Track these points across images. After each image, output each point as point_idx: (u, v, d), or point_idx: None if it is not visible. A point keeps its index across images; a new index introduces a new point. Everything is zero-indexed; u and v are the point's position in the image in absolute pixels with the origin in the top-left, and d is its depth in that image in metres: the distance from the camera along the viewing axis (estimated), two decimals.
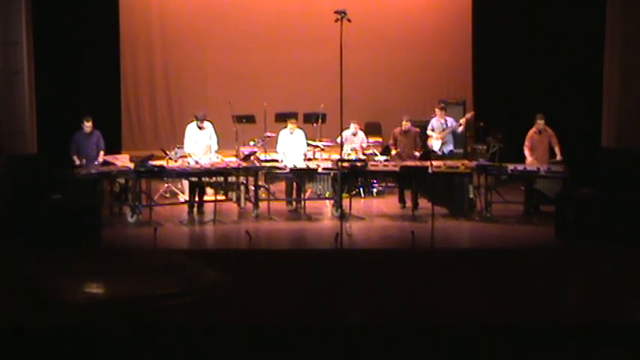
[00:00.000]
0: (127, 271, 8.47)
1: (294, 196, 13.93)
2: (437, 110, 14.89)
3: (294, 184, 13.83)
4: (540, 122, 13.47)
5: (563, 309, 8.06)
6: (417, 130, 14.56)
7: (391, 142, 14.57)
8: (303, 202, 13.79)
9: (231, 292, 8.02)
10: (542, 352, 6.93)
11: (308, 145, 14.71)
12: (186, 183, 13.84)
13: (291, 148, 14.20)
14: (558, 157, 13.31)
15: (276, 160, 14.04)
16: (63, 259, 9.47)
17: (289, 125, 14.34)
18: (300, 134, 14.39)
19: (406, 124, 14.31)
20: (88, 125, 13.64)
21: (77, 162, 13.48)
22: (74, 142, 13.66)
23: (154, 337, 7.04)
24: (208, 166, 13.23)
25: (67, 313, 7.31)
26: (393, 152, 14.41)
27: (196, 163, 13.45)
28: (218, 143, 14.06)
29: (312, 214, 13.51)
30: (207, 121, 13.91)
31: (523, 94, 17.10)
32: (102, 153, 13.86)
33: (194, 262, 8.98)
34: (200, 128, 13.79)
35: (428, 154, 14.17)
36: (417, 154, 14.20)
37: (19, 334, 6.99)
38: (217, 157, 13.80)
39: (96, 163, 13.55)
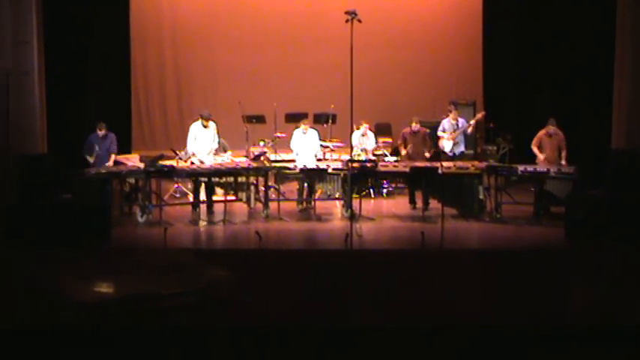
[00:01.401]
0: (132, 271, 8.48)
1: (305, 196, 13.94)
2: (453, 112, 14.83)
3: (306, 185, 13.84)
4: (552, 126, 13.45)
5: (573, 310, 8.05)
6: (426, 130, 14.54)
7: (400, 142, 14.55)
8: (313, 203, 13.80)
9: (239, 292, 8.02)
10: (551, 353, 6.92)
11: (320, 145, 14.75)
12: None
13: (305, 147, 14.21)
14: (563, 162, 13.29)
15: (286, 160, 14.06)
16: (71, 259, 9.49)
17: (302, 125, 14.35)
18: (313, 134, 14.41)
19: (415, 125, 14.29)
20: (101, 132, 13.74)
21: (91, 161, 13.56)
22: (88, 142, 13.73)
23: (158, 336, 7.05)
24: (218, 166, 13.25)
25: (73, 313, 7.32)
26: (403, 152, 14.38)
27: (201, 162, 13.49)
28: (219, 143, 14.08)
29: (322, 214, 13.51)
30: (212, 120, 13.91)
31: (533, 95, 17.07)
32: (113, 156, 13.91)
33: (200, 262, 8.98)
34: (205, 127, 13.80)
35: (438, 154, 14.16)
36: (428, 155, 14.17)
37: (24, 333, 7.01)
38: (216, 158, 13.83)
39: (105, 164, 13.56)
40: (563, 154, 13.40)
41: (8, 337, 6.94)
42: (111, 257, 9.89)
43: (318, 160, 14.23)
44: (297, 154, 14.21)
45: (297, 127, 14.56)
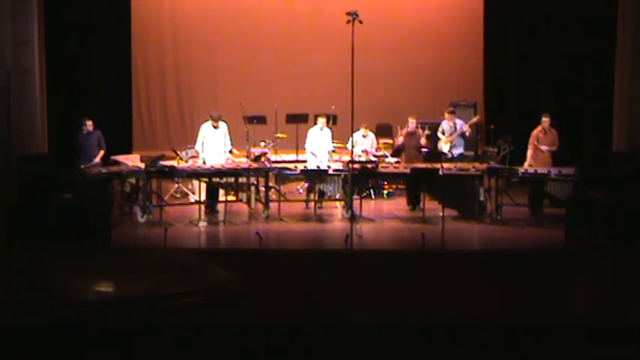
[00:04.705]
0: (136, 271, 8.48)
1: (315, 197, 13.93)
2: (446, 114, 14.83)
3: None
4: (545, 121, 13.44)
5: (573, 311, 8.06)
6: (421, 131, 14.51)
7: (399, 143, 14.55)
8: (314, 204, 13.81)
9: (240, 292, 8.02)
10: (551, 352, 6.92)
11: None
12: (196, 183, 13.86)
13: (321, 146, 14.19)
14: (543, 147, 13.37)
15: (287, 161, 14.06)
16: (73, 259, 9.49)
17: (319, 121, 14.33)
18: (328, 132, 14.39)
19: (412, 123, 14.29)
20: (89, 124, 13.62)
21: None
22: (76, 141, 13.66)
23: (161, 336, 7.05)
24: (219, 166, 13.23)
25: (75, 313, 7.32)
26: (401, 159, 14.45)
27: (204, 163, 13.49)
28: (232, 144, 14.06)
29: (322, 215, 13.51)
30: (222, 121, 13.89)
31: (534, 97, 17.04)
32: (102, 153, 13.75)
33: (204, 262, 8.98)
34: (215, 127, 13.77)
35: (438, 155, 14.14)
36: (423, 141, 14.15)
37: (25, 333, 7.01)
38: (228, 159, 13.78)
39: (93, 163, 13.48)
40: (554, 148, 13.42)
41: (8, 336, 6.94)
42: (117, 257, 9.87)
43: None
44: (311, 154, 14.26)
45: (314, 125, 14.54)
